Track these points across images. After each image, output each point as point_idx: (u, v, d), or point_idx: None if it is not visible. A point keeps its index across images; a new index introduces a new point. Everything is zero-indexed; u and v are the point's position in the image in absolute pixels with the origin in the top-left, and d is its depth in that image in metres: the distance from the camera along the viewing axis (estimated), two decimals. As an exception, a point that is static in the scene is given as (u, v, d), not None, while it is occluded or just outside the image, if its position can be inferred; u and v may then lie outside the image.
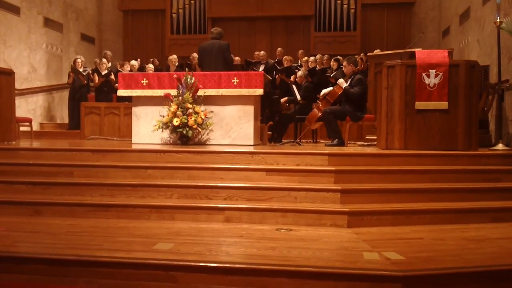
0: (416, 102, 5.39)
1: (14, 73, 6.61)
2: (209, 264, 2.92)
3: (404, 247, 3.41)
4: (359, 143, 7.85)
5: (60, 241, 3.49)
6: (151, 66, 10.24)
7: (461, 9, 10.69)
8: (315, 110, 7.09)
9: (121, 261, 2.98)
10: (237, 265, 2.91)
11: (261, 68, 9.61)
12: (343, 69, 7.34)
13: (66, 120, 11.27)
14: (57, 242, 3.48)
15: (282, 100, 8.48)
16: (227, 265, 2.91)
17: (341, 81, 6.86)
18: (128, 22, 14.61)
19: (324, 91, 7.15)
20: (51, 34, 11.79)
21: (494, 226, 4.13)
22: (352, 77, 6.82)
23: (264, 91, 6.44)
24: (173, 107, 6.17)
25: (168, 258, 3.01)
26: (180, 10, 14.03)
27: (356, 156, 5.00)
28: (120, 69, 10.57)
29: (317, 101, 7.46)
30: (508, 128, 7.56)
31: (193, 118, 6.09)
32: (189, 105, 6.14)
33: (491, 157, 5.18)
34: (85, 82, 10.61)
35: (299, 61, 10.54)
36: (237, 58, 10.12)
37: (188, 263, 2.93)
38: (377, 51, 8.63)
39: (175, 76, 6.38)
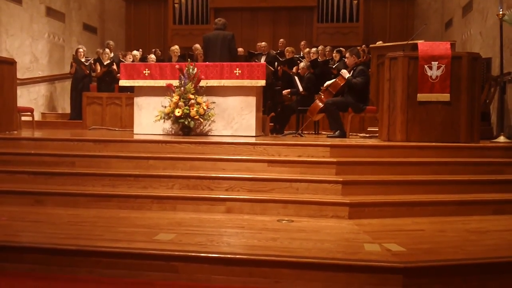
0: (418, 94, 5.37)
1: (16, 62, 6.60)
2: (210, 255, 2.93)
3: (405, 238, 3.42)
4: (361, 134, 7.85)
5: (62, 231, 3.50)
6: (153, 56, 10.21)
7: (464, 1, 10.61)
8: (317, 101, 7.07)
9: (122, 251, 2.99)
10: (238, 256, 2.92)
11: (263, 59, 9.57)
12: (346, 60, 7.32)
13: (68, 110, 11.27)
14: (59, 232, 3.49)
15: (285, 92, 8.46)
16: (228, 255, 2.92)
17: (344, 71, 6.84)
18: (130, 12, 14.57)
19: (327, 82, 7.14)
20: (53, 23, 11.75)
21: (496, 218, 4.14)
22: (354, 68, 6.81)
23: (266, 82, 6.42)
24: (175, 97, 6.15)
25: (170, 249, 3.02)
26: (183, 0, 13.96)
27: (357, 147, 5.00)
28: (122, 59, 10.54)
29: (319, 92, 7.45)
30: (510, 120, 7.54)
31: (195, 109, 6.08)
32: (191, 96, 6.12)
33: (493, 150, 5.17)
34: (87, 72, 10.59)
35: (301, 52, 10.50)
36: (240, 49, 10.08)
37: (189, 254, 2.95)
38: (379, 43, 8.60)
39: (177, 66, 6.36)
